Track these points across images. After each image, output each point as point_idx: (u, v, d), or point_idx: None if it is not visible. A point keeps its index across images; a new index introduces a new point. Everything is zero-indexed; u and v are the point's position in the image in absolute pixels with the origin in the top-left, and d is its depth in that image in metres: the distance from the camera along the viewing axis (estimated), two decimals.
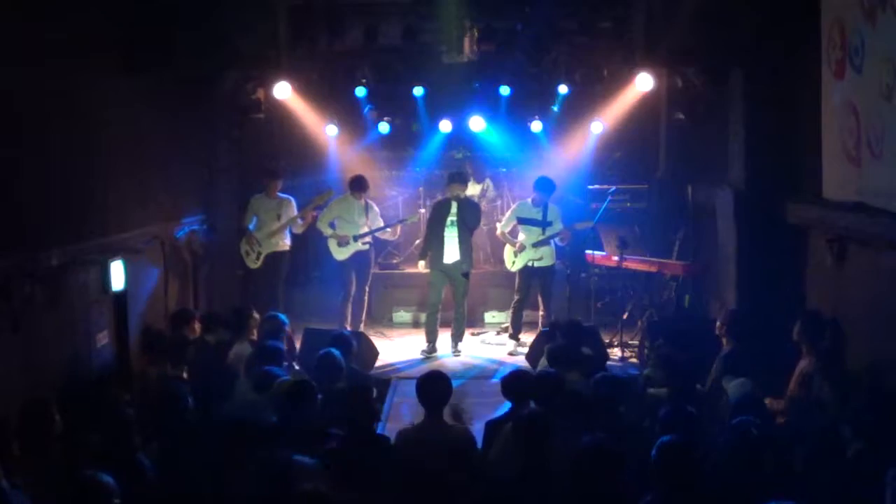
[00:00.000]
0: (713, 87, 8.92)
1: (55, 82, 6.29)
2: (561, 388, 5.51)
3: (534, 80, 10.69)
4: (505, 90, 10.61)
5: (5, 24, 5.71)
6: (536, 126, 11.00)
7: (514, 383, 5.67)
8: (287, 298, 9.90)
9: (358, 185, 9.66)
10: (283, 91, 10.02)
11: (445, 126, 10.93)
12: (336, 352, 6.24)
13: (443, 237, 9.33)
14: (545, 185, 9.40)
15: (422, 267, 9.64)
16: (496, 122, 11.07)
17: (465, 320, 9.68)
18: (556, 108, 10.83)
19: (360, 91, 10.56)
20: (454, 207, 9.32)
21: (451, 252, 9.35)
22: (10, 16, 5.73)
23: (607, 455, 4.21)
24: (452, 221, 9.33)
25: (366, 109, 11.02)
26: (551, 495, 4.33)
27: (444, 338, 9.65)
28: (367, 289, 9.93)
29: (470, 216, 9.41)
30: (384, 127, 11.04)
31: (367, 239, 9.68)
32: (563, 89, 10.52)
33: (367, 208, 9.70)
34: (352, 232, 9.60)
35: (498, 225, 10.03)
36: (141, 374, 7.15)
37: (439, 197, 10.09)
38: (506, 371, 8.73)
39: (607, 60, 10.28)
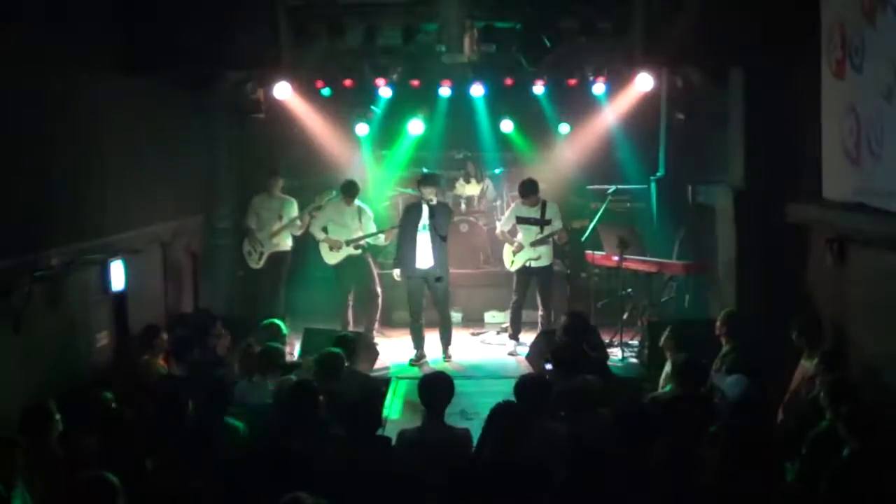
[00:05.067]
0: (713, 87, 8.91)
1: (55, 82, 6.29)
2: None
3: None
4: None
5: (5, 24, 5.71)
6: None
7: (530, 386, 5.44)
8: (287, 298, 9.90)
9: (349, 189, 9.60)
10: (282, 91, 10.02)
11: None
12: (339, 352, 6.28)
13: (415, 242, 8.99)
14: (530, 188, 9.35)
15: (397, 276, 9.25)
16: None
17: (450, 324, 9.40)
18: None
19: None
20: (426, 211, 8.98)
21: (424, 257, 9.01)
22: (10, 16, 5.73)
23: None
24: (424, 226, 8.97)
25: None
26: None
27: (433, 341, 9.36)
28: (378, 290, 9.65)
29: (441, 222, 9.00)
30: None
31: (361, 243, 9.55)
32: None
33: (359, 213, 9.60)
34: (344, 236, 9.50)
35: (498, 224, 10.01)
36: (141, 373, 7.13)
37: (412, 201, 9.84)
38: (505, 371, 8.80)
39: (607, 60, 10.26)
